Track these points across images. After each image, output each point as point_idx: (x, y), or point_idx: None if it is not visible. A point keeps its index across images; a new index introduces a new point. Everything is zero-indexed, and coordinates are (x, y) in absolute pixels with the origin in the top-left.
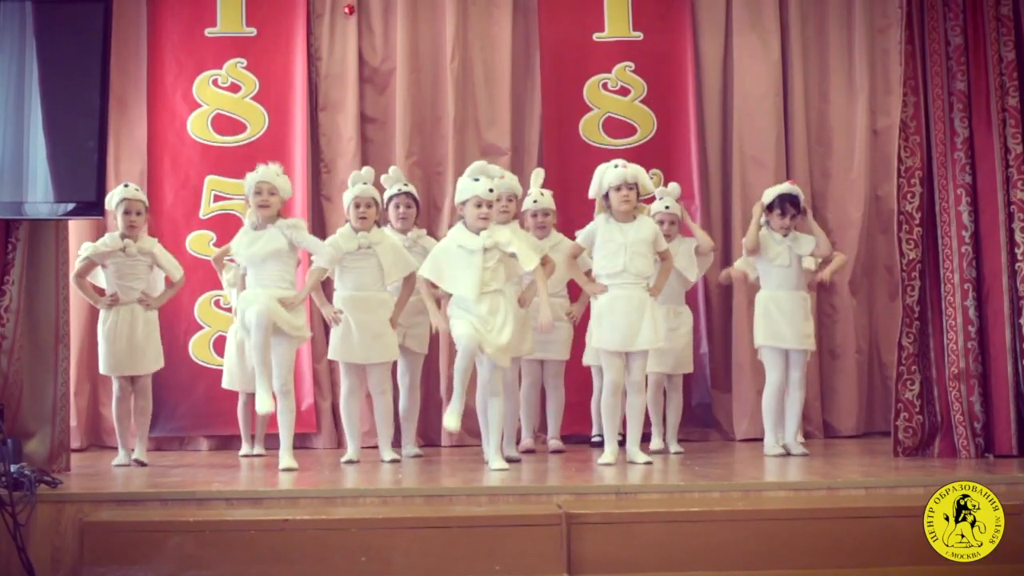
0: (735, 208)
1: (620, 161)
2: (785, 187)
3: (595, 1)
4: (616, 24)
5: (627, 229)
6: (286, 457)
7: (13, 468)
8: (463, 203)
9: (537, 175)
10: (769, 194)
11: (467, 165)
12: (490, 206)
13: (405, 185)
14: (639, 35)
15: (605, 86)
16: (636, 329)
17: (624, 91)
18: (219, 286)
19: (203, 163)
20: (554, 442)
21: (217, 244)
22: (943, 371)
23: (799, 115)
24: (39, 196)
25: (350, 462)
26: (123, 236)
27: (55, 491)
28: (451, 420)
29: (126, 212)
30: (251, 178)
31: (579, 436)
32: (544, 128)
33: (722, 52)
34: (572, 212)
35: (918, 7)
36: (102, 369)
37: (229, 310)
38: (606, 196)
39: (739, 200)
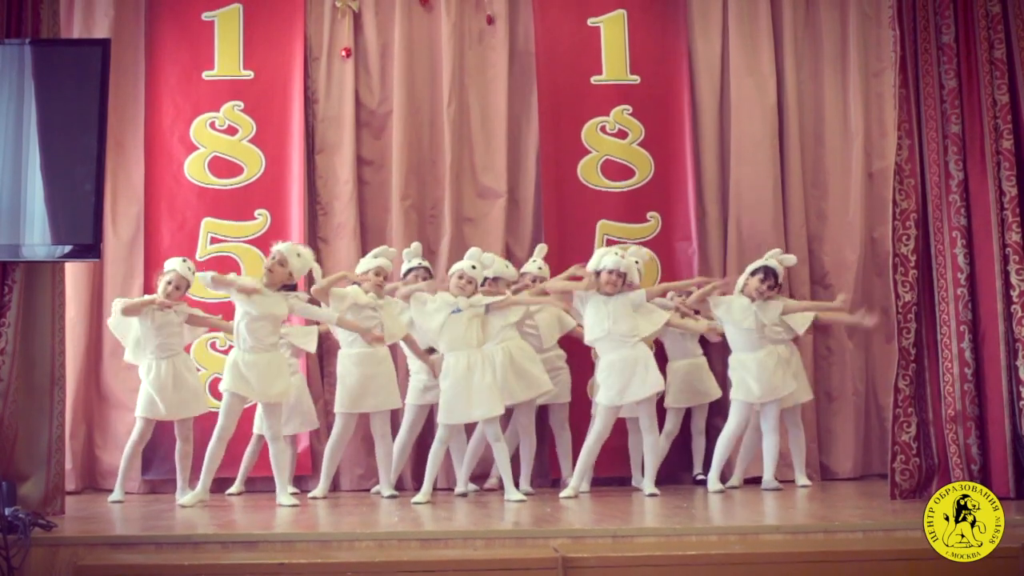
0: (731, 250)
1: (620, 250)
2: (773, 262)
3: (593, 45)
4: (613, 68)
5: (609, 300)
6: (284, 495)
7: (7, 511)
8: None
9: (540, 250)
10: (758, 262)
11: (464, 208)
12: (470, 281)
13: (422, 260)
14: (636, 79)
15: (603, 129)
16: (629, 383)
17: (622, 134)
18: (216, 329)
19: (200, 205)
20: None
21: None
22: (940, 413)
23: (795, 158)
24: (36, 239)
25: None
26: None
27: (49, 534)
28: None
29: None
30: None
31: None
32: (543, 170)
33: (719, 95)
34: (569, 255)
35: (912, 51)
36: (148, 415)
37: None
38: (598, 273)
39: (736, 242)
